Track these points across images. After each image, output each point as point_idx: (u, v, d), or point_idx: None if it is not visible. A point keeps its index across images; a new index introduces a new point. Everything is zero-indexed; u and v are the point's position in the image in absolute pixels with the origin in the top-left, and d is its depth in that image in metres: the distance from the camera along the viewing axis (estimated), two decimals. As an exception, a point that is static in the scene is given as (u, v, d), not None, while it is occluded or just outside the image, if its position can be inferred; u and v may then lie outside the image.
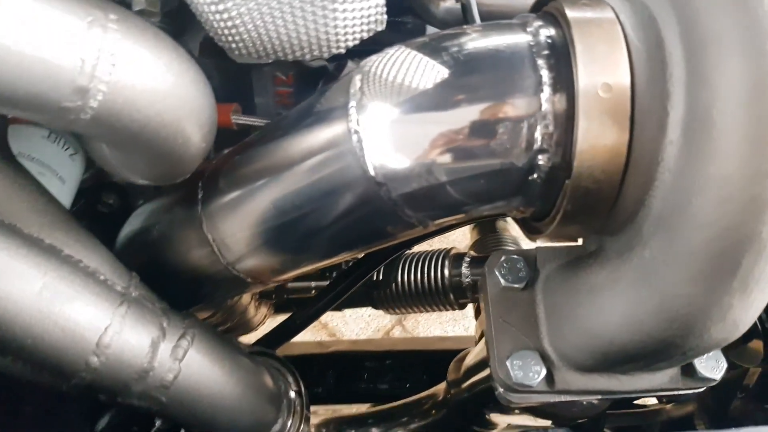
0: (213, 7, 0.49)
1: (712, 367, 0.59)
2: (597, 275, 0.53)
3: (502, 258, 0.62)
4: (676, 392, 0.60)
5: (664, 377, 0.59)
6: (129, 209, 0.91)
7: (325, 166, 0.51)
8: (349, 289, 0.97)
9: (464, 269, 1.09)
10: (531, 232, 0.54)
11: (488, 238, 1.37)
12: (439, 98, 0.46)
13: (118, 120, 0.46)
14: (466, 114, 0.45)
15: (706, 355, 0.59)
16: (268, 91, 0.86)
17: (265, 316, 1.20)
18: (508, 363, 0.58)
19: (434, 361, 1.29)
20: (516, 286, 0.61)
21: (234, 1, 0.49)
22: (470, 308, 2.50)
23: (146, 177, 0.57)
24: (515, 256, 0.63)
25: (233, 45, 0.55)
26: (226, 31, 0.52)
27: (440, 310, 1.15)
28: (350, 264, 1.08)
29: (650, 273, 0.46)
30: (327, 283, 1.10)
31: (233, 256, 0.62)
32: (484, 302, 0.63)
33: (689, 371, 0.59)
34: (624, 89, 0.43)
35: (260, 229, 0.58)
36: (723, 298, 0.43)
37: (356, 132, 0.48)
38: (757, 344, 0.78)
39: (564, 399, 0.61)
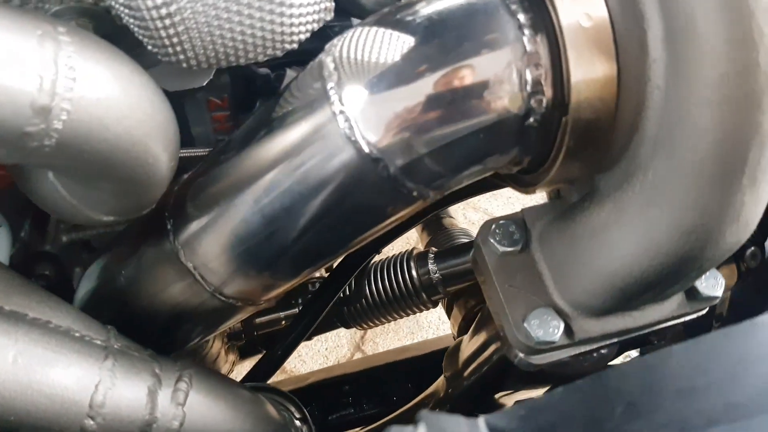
0: (161, 11, 0.46)
1: (713, 285, 0.60)
2: (597, 215, 0.53)
3: (492, 226, 0.62)
4: (684, 318, 0.61)
5: (672, 305, 0.60)
6: (67, 278, 0.84)
7: (314, 157, 0.48)
8: (325, 306, 0.94)
9: (431, 266, 1.08)
10: (525, 186, 0.54)
11: (440, 236, 1.37)
12: (422, 61, 0.45)
13: (86, 141, 0.42)
14: (454, 73, 0.45)
15: (704, 276, 0.60)
16: (205, 118, 0.83)
17: (233, 364, 1.14)
18: (526, 325, 0.57)
19: (415, 368, 1.27)
20: (513, 249, 0.61)
21: (183, 3, 0.46)
22: (425, 319, 2.49)
23: (112, 211, 0.53)
24: (505, 221, 0.62)
25: (180, 55, 0.52)
26: (174, 39, 0.49)
27: (414, 313, 1.13)
28: (317, 284, 1.05)
29: (657, 193, 0.46)
30: (296, 310, 1.06)
31: (219, 279, 0.58)
32: (484, 275, 0.62)
33: (693, 295, 0.60)
34: (602, 17, 0.44)
35: (248, 243, 0.54)
36: (735, 197, 0.44)
37: (341, 113, 0.46)
38: (731, 268, 0.82)
39: (585, 349, 0.60)
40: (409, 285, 1.08)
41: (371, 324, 1.14)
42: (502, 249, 0.61)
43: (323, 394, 1.24)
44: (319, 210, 0.51)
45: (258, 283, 0.59)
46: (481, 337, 0.81)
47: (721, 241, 0.46)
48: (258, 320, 1.04)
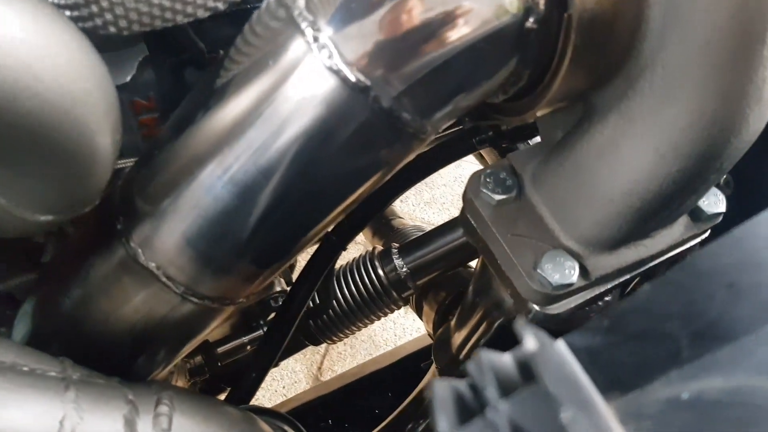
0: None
1: (714, 202, 0.58)
2: (600, 136, 0.49)
3: (482, 176, 0.57)
4: (693, 241, 0.58)
5: (680, 228, 0.57)
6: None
7: (289, 101, 0.42)
8: (294, 319, 0.85)
9: (397, 261, 1.02)
10: (519, 114, 0.50)
11: (393, 237, 1.32)
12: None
13: (10, 98, 0.33)
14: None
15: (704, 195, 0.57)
16: (130, 124, 0.74)
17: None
18: (539, 271, 0.52)
19: (391, 376, 1.20)
20: (508, 196, 0.56)
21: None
22: (381, 338, 2.41)
23: (49, 205, 0.44)
24: (492, 170, 0.57)
25: (102, 16, 0.44)
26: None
27: (385, 315, 1.06)
28: (279, 299, 0.96)
29: (670, 89, 0.43)
30: (260, 332, 0.97)
31: (189, 277, 0.50)
32: (481, 231, 0.57)
33: (697, 215, 0.57)
34: None
35: (220, 224, 0.47)
36: (757, 74, 0.40)
37: (316, 40, 0.40)
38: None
39: (602, 289, 0.56)
40: (377, 285, 1.01)
41: (341, 335, 1.06)
42: (497, 198, 0.56)
43: (304, 422, 1.15)
44: (301, 167, 0.44)
45: (237, 273, 0.51)
46: (474, 315, 0.75)
47: (745, 128, 0.43)
48: (220, 349, 0.94)
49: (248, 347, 0.95)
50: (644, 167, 0.46)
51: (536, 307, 0.55)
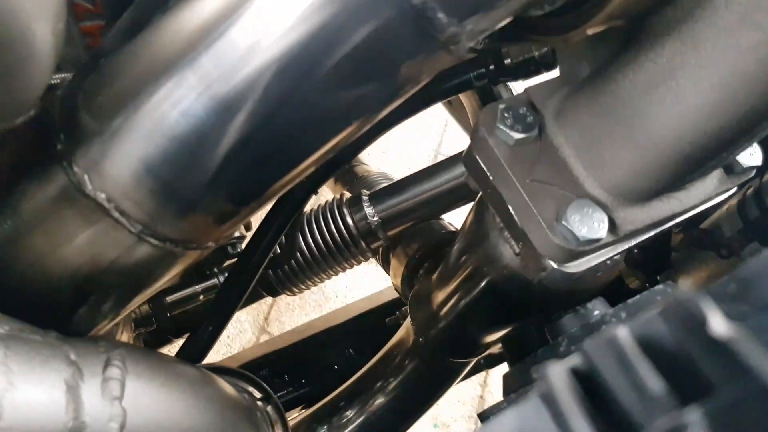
0: None
1: (750, 154, 0.52)
2: (652, 65, 0.41)
3: (499, 109, 0.49)
4: (725, 194, 0.52)
5: (713, 182, 0.51)
6: None
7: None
8: (258, 268, 0.76)
9: (367, 209, 0.93)
10: (563, 32, 0.42)
11: (358, 182, 1.23)
12: None
13: None
14: None
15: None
16: (71, 33, 0.62)
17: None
18: (564, 223, 0.45)
19: (352, 332, 1.13)
20: (528, 135, 0.48)
21: None
22: (331, 290, 2.34)
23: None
24: (511, 103, 0.49)
25: None
26: None
27: (351, 266, 0.99)
28: (237, 246, 0.87)
29: (755, 9, 0.35)
30: (215, 281, 0.88)
31: (148, 213, 0.40)
32: (492, 174, 0.49)
33: (730, 168, 0.51)
34: None
35: (189, 145, 0.37)
36: None
37: None
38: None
39: (629, 245, 0.50)
40: (345, 234, 0.93)
41: (303, 287, 0.98)
42: (516, 136, 0.48)
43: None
44: (299, 77, 0.35)
45: (207, 210, 0.42)
46: (461, 271, 0.68)
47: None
48: (170, 298, 0.84)
49: (201, 297, 0.86)
50: (706, 105, 0.39)
51: (553, 265, 0.48)
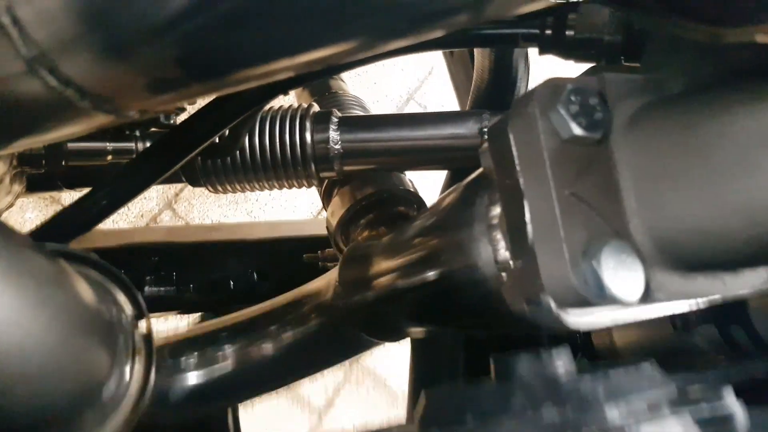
0: None
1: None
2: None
3: (569, 87, 0.37)
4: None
5: (764, 273, 0.41)
6: None
7: None
8: (186, 152, 0.63)
9: (333, 133, 0.80)
10: (738, 20, 0.30)
11: (329, 98, 1.08)
12: None
13: None
14: None
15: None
16: None
17: (16, 197, 0.78)
18: (594, 264, 0.34)
19: (262, 253, 1.00)
20: (591, 135, 0.37)
21: None
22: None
23: None
24: (582, 85, 0.37)
25: None
26: None
27: (289, 187, 0.86)
28: (174, 117, 0.72)
29: None
30: (131, 145, 0.73)
31: (52, 35, 0.26)
32: (522, 164, 0.38)
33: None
34: None
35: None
36: None
37: None
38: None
39: (644, 317, 0.40)
40: (298, 150, 0.80)
41: (229, 188, 0.84)
42: (576, 131, 0.36)
43: (136, 262, 0.93)
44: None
45: (142, 65, 0.28)
46: (414, 250, 0.57)
47: None
48: (72, 146, 0.69)
49: (109, 157, 0.71)
50: None
51: (551, 303, 0.38)
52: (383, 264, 0.61)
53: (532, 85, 1.02)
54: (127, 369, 0.44)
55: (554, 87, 0.37)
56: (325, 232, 0.97)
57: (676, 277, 0.37)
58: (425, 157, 0.81)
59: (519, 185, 0.38)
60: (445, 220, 0.54)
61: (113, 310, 0.44)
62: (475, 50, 0.94)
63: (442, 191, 1.04)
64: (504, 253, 0.46)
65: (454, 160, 0.81)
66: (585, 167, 0.37)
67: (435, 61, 2.41)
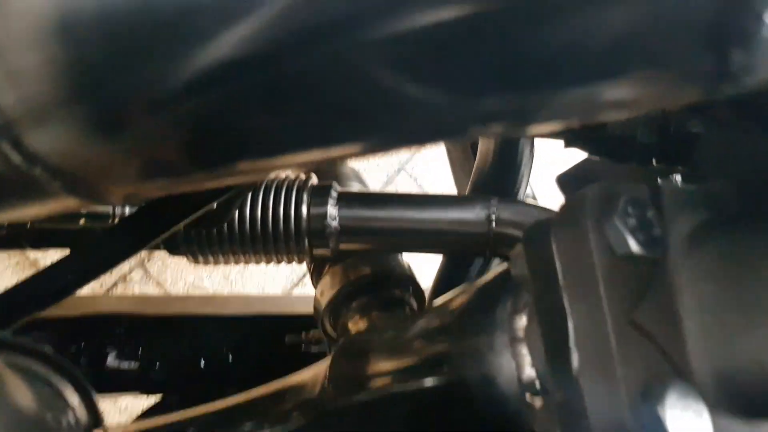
0: None
1: None
2: None
3: (624, 198, 0.32)
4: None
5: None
6: None
7: None
8: (168, 225, 0.57)
9: (331, 207, 0.75)
10: None
11: (326, 172, 1.03)
12: None
13: None
14: None
15: None
16: None
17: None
18: (659, 409, 0.29)
19: (240, 331, 0.92)
20: (649, 254, 0.31)
21: None
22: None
23: None
24: (637, 196, 0.33)
25: None
26: None
27: (277, 262, 0.79)
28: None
29: None
30: (106, 209, 0.67)
31: (20, 99, 0.21)
32: (569, 282, 0.32)
33: None
34: None
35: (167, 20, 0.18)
36: None
37: None
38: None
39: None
40: (292, 224, 0.74)
41: (211, 259, 0.78)
42: (633, 248, 0.31)
43: (98, 333, 0.85)
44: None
45: (131, 143, 0.22)
46: (415, 351, 0.51)
47: None
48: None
49: (81, 221, 0.65)
50: None
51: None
52: (382, 363, 0.54)
53: (537, 173, 0.97)
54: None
55: (608, 195, 0.32)
56: (310, 310, 0.91)
57: (741, 424, 0.32)
58: (427, 241, 0.75)
59: (563, 304, 0.33)
60: (459, 324, 0.48)
61: (61, 420, 0.37)
62: (481, 132, 0.90)
63: (438, 277, 0.98)
64: (530, 372, 0.40)
65: (456, 245, 0.75)
66: (642, 291, 0.31)
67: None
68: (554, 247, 0.33)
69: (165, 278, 1.84)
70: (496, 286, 0.46)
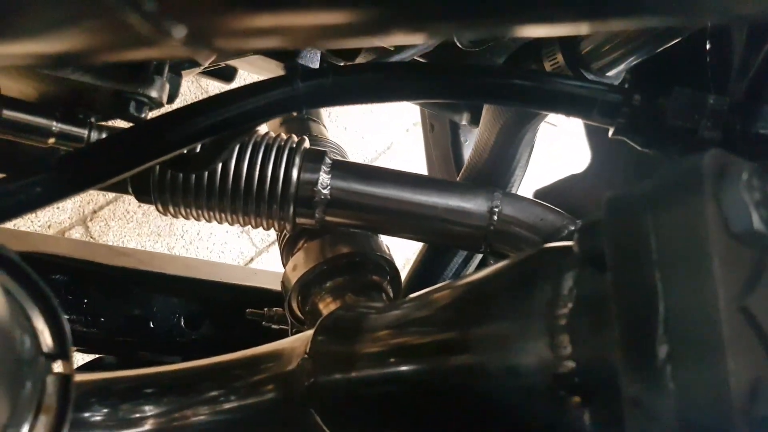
0: None
1: None
2: None
3: (746, 170, 0.27)
4: None
5: None
6: None
7: None
8: (163, 154, 0.49)
9: (323, 175, 0.69)
10: None
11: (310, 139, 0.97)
12: None
13: None
14: None
15: None
16: None
17: None
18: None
19: (195, 296, 0.85)
20: (768, 234, 0.27)
21: None
22: (180, 226, 2.02)
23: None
24: (760, 173, 0.28)
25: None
26: None
27: (254, 225, 0.72)
28: (147, 111, 0.58)
29: None
30: (84, 132, 0.59)
31: None
32: (665, 265, 0.27)
33: None
34: None
35: None
36: None
37: None
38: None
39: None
40: (279, 185, 0.67)
41: (182, 212, 0.70)
42: (756, 223, 0.27)
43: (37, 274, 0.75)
44: None
45: None
46: (435, 330, 0.45)
47: None
48: (9, 114, 0.54)
49: (51, 140, 0.56)
50: None
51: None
52: (382, 341, 0.48)
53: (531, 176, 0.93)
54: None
55: (728, 163, 0.28)
56: (274, 286, 0.84)
57: None
58: (420, 226, 0.70)
59: (655, 282, 0.28)
60: (479, 306, 0.43)
61: (25, 342, 0.29)
62: (482, 124, 0.86)
63: (415, 267, 0.93)
64: (569, 365, 0.35)
65: (450, 236, 0.70)
66: (757, 275, 0.27)
67: (395, 137, 2.37)
68: (651, 218, 0.28)
69: (106, 240, 1.72)
70: (530, 269, 0.41)
